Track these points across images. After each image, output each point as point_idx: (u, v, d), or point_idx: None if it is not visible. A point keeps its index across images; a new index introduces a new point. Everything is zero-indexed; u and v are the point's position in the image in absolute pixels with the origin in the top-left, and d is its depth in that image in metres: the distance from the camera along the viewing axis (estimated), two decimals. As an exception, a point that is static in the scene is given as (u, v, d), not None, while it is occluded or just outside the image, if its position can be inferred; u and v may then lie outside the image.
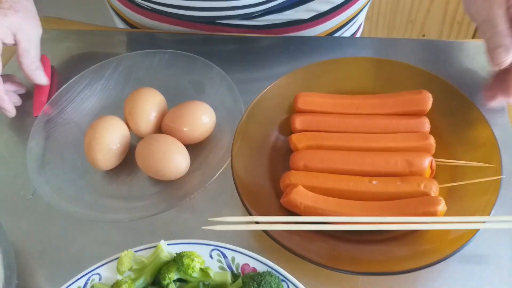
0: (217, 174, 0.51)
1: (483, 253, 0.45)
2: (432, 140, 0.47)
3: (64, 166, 0.54)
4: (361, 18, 0.77)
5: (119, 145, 0.53)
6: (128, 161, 0.55)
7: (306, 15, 0.67)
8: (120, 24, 0.81)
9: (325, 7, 0.67)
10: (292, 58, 0.65)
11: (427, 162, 0.46)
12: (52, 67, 0.67)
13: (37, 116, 0.59)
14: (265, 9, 0.64)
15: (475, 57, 0.61)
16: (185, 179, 0.52)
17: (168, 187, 0.52)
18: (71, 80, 0.60)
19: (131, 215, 0.50)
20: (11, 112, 0.59)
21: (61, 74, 0.67)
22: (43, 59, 0.67)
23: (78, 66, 0.64)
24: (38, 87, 0.63)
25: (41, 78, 0.61)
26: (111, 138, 0.52)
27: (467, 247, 0.45)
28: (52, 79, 0.65)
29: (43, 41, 0.73)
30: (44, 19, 0.78)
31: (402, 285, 0.44)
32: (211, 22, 0.68)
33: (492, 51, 0.47)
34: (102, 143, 0.52)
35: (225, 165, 0.51)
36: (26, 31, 0.59)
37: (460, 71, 0.59)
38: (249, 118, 0.53)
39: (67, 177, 0.53)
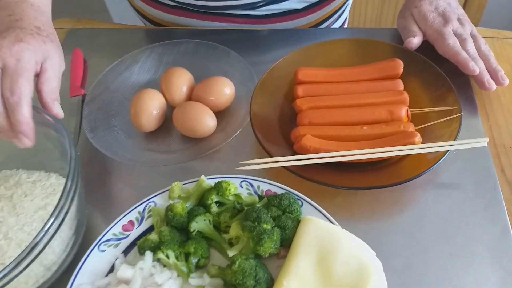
0: (237, 132, 0.63)
1: (451, 181, 0.58)
2: (406, 95, 0.61)
3: (113, 129, 0.67)
4: (346, 12, 0.93)
5: (158, 110, 0.65)
6: (165, 125, 0.67)
7: (299, 5, 0.82)
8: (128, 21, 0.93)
9: None
10: (293, 47, 0.78)
11: (404, 111, 0.59)
12: (84, 59, 0.80)
13: (73, 96, 0.71)
14: (265, 0, 0.78)
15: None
16: (212, 136, 0.65)
17: (199, 143, 0.65)
18: (112, 65, 0.73)
19: (170, 161, 0.62)
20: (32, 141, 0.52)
21: (95, 64, 0.79)
22: (76, 52, 0.80)
23: (109, 57, 0.76)
24: (72, 73, 0.75)
25: (59, 110, 0.56)
26: (152, 105, 0.65)
27: (439, 177, 0.59)
28: (84, 68, 0.78)
29: (79, 37, 0.86)
30: (77, 20, 0.91)
31: (387, 204, 0.57)
32: (221, 13, 0.81)
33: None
34: (146, 109, 0.64)
35: (244, 126, 0.64)
36: (54, 62, 0.57)
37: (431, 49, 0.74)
38: (261, 89, 0.66)
39: (115, 137, 0.65)
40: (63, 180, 0.58)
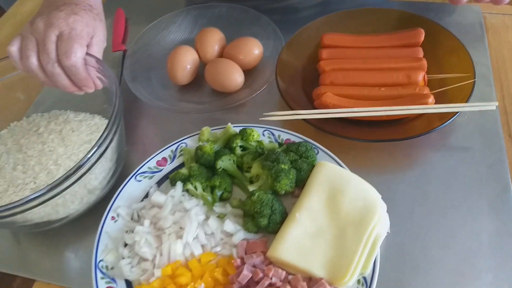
0: (262, 89, 0.69)
1: (460, 143, 0.62)
2: (424, 61, 0.65)
3: (150, 81, 0.73)
4: None
5: (192, 65, 0.71)
6: (197, 80, 0.73)
7: None
8: None
9: None
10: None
11: (421, 76, 0.63)
12: (126, 18, 0.86)
13: (115, 51, 0.78)
14: None
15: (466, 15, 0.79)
16: (239, 91, 0.70)
17: (227, 97, 0.70)
18: (152, 24, 0.79)
19: (200, 110, 0.69)
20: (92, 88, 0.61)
21: (136, 23, 0.86)
22: (119, 11, 0.86)
23: (149, 17, 0.82)
24: (115, 30, 0.82)
25: (98, 83, 0.61)
26: (187, 60, 0.71)
27: (449, 139, 0.63)
28: (125, 26, 0.84)
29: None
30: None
31: (398, 160, 0.62)
32: None
33: None
34: (181, 64, 0.70)
35: (269, 83, 0.69)
36: (100, 39, 0.62)
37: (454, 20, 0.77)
38: (288, 48, 0.71)
39: (152, 88, 0.72)
40: (106, 121, 0.65)
